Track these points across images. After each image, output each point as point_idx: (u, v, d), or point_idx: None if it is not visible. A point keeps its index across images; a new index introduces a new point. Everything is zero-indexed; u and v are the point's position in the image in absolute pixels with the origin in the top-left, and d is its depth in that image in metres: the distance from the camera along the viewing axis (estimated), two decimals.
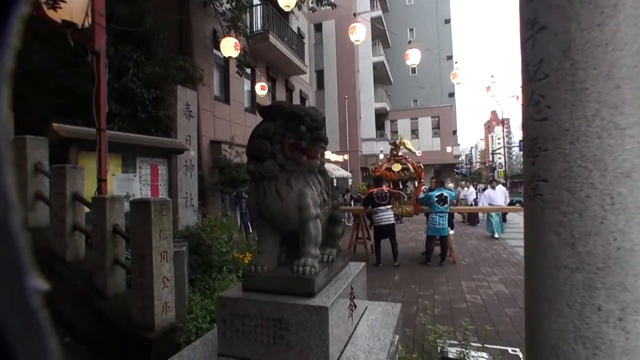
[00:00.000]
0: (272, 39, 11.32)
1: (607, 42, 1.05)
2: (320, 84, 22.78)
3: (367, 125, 24.94)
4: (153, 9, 7.01)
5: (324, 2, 10.25)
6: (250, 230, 8.35)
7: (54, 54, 5.18)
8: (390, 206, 6.43)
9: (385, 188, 6.64)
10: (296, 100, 15.91)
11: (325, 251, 1.62)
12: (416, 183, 7.77)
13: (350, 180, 21.00)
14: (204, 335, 1.58)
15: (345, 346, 1.48)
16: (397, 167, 7.78)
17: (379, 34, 26.91)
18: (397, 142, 8.15)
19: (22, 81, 5.10)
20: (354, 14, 9.36)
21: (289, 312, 1.33)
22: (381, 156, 21.92)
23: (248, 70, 10.85)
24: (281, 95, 14.30)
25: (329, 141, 1.59)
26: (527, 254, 1.37)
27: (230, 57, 8.50)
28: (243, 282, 1.52)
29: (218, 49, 8.86)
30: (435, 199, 6.60)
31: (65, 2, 2.84)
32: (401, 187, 7.77)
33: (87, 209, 3.02)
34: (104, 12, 3.08)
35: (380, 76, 28.19)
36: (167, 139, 5.01)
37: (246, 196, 8.15)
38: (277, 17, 12.15)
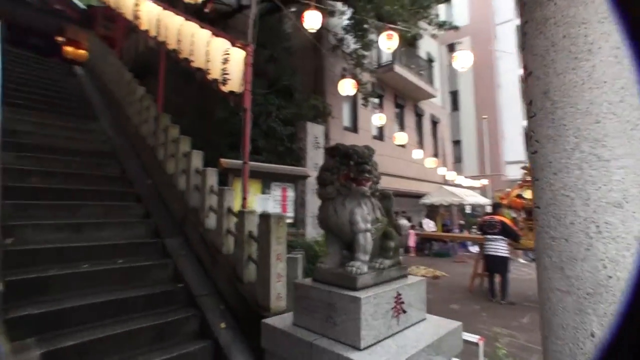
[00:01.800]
0: (398, 68, 11.96)
1: (583, 82, 1.26)
2: (455, 105, 22.05)
3: (513, 146, 22.64)
4: (293, 61, 8.58)
5: (445, 27, 10.32)
6: None
7: (228, 109, 6.98)
8: (500, 237, 6.05)
9: (498, 217, 6.30)
10: (426, 125, 15.97)
11: (377, 260, 2.12)
12: None
13: (489, 208, 19.39)
14: (290, 312, 2.26)
15: (386, 339, 1.93)
16: (529, 194, 7.21)
17: None
18: (528, 165, 7.53)
19: (210, 128, 7.08)
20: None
21: (336, 298, 1.90)
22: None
23: (377, 100, 11.68)
24: (410, 121, 14.65)
25: (375, 173, 2.11)
26: (537, 276, 1.49)
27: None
28: (312, 275, 2.16)
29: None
30: None
31: (230, 79, 4.18)
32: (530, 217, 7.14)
33: (235, 219, 4.16)
34: (251, 81, 4.27)
35: None
36: (294, 167, 6.14)
37: None
38: (404, 47, 12.72)
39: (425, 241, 12.63)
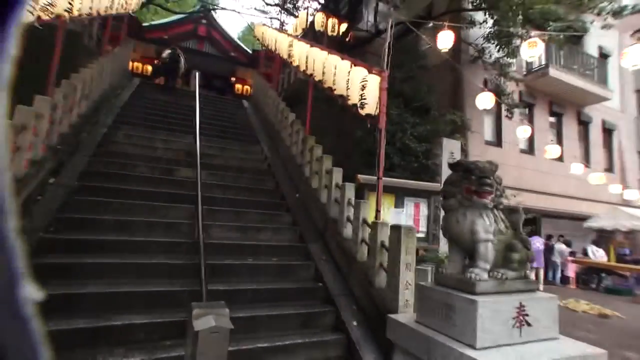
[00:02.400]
0: (554, 72, 10.63)
1: None
2: None
3: None
4: (430, 77, 8.66)
5: (623, 13, 8.74)
6: None
7: (365, 129, 7.57)
8: None
9: None
10: (595, 134, 13.49)
11: (499, 270, 2.18)
12: None
13: None
14: (410, 307, 2.47)
15: (505, 345, 1.98)
16: None
17: None
18: None
19: (349, 146, 7.81)
20: None
21: (455, 300, 2.06)
22: None
23: (525, 110, 10.64)
24: (570, 130, 12.67)
25: (499, 187, 2.18)
26: None
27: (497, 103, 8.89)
28: (434, 278, 2.34)
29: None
30: None
31: (367, 103, 4.69)
32: None
33: (369, 229, 4.55)
34: (386, 103, 4.66)
35: None
36: (428, 184, 6.19)
37: None
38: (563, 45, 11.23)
39: (592, 272, 10.56)
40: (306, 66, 7.25)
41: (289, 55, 8.59)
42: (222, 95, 18.50)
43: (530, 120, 11.17)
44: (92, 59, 7.39)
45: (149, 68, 16.70)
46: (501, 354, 1.83)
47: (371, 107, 4.80)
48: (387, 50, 4.88)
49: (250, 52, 19.65)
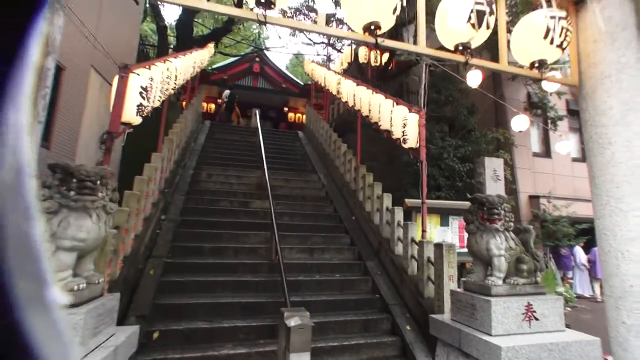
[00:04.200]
0: None
1: (607, 162, 1.95)
2: None
3: None
4: (472, 96, 9.21)
5: None
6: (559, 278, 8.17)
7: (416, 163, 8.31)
8: None
9: None
10: None
11: (511, 278, 2.87)
12: None
13: None
14: (449, 314, 3.20)
15: (515, 334, 2.66)
16: None
17: None
18: None
19: (397, 169, 8.55)
20: None
21: (476, 300, 2.78)
22: None
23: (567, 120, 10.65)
24: None
25: (508, 215, 2.89)
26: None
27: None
28: (462, 285, 3.07)
29: (536, 108, 9.76)
30: None
31: (409, 138, 5.50)
32: None
33: (417, 247, 5.28)
34: (425, 138, 5.44)
35: None
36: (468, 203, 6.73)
37: (562, 250, 8.20)
38: None
39: None
40: (354, 102, 8.22)
41: (338, 92, 9.65)
42: (277, 124, 20.23)
43: (581, 128, 11.09)
44: (177, 112, 9.01)
45: (212, 106, 18.89)
46: (510, 338, 2.51)
47: (412, 141, 5.61)
48: (422, 92, 5.67)
49: (302, 84, 21.24)
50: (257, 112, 13.11)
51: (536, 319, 2.70)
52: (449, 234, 6.17)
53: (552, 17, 1.78)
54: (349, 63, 13.56)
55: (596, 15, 1.84)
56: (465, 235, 6.60)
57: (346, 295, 5.27)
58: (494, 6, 1.68)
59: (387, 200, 6.34)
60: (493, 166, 7.51)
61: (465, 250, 6.49)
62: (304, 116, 20.06)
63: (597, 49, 1.96)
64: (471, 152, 8.20)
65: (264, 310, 4.61)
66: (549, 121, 9.60)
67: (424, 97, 5.65)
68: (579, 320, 5.87)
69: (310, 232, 6.69)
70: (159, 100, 4.51)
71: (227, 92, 16.06)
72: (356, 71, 13.19)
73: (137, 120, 3.69)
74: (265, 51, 22.82)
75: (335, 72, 11.16)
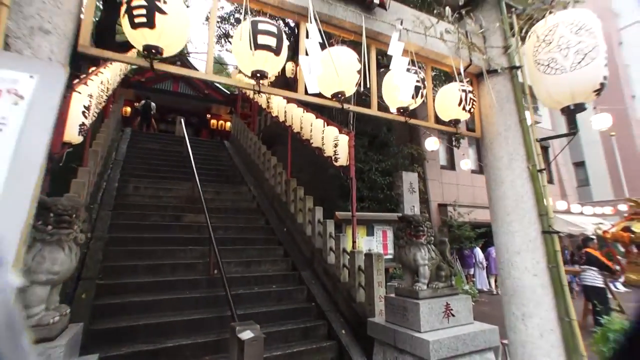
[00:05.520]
0: None
1: (501, 196, 2.64)
2: (573, 125, 20.52)
3: None
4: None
5: None
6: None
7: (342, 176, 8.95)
8: (587, 267, 6.35)
9: (585, 250, 6.61)
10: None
11: (433, 283, 3.51)
12: None
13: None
14: (383, 315, 3.74)
15: (438, 329, 3.29)
16: (639, 227, 7.15)
17: None
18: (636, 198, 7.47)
19: (324, 180, 9.10)
20: None
21: (407, 304, 3.36)
22: None
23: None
24: None
25: (429, 231, 3.54)
26: None
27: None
28: (395, 291, 3.65)
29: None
30: None
31: (339, 157, 6.06)
32: None
33: (348, 256, 5.83)
34: (355, 157, 6.05)
35: None
36: (392, 214, 7.60)
37: (465, 251, 9.68)
38: None
39: None
40: (285, 118, 8.59)
41: (268, 106, 9.93)
42: (198, 131, 19.57)
43: (477, 143, 13.02)
44: (99, 119, 8.38)
45: (129, 110, 17.59)
46: (435, 333, 3.13)
47: (343, 159, 6.18)
48: (351, 116, 6.29)
49: (227, 92, 20.89)
50: (182, 120, 12.70)
51: (453, 315, 3.37)
52: (374, 242, 6.90)
53: (463, 90, 2.42)
54: (276, 76, 13.89)
55: (489, 90, 2.53)
56: (389, 243, 7.49)
57: (284, 305, 5.58)
58: (425, 82, 2.25)
59: (319, 213, 6.83)
60: (409, 179, 8.53)
61: (389, 257, 7.33)
62: (227, 123, 19.82)
63: (492, 113, 2.67)
64: (390, 167, 9.17)
65: (208, 326, 4.70)
66: (453, 139, 11.12)
67: (352, 120, 6.28)
68: (481, 312, 6.97)
69: (245, 245, 6.87)
70: (94, 116, 4.35)
71: (142, 102, 15.53)
72: (283, 84, 13.59)
73: (78, 139, 3.57)
74: (187, 55, 21.96)
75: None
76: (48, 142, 1.30)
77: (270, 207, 8.75)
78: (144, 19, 1.64)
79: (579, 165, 20.87)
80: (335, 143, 6.28)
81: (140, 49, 1.76)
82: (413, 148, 10.19)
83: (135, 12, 1.65)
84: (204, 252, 6.06)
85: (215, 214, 7.58)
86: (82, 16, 1.74)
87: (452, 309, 3.42)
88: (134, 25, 1.67)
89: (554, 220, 2.45)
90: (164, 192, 8.11)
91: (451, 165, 12.72)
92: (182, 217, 7.19)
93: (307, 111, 7.63)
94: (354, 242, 5.80)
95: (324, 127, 6.74)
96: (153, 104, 15.69)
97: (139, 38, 1.70)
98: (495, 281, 10.94)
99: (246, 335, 3.56)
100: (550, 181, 16.08)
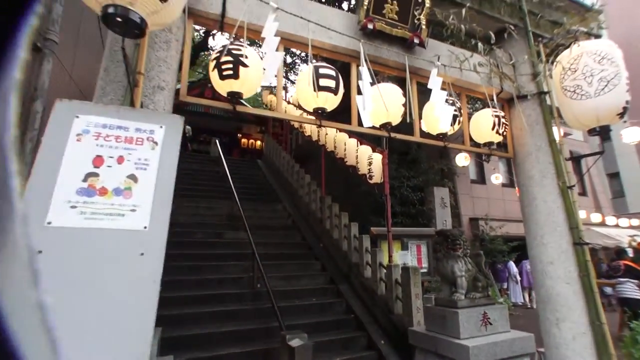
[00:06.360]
0: None
1: (533, 211, 2.85)
2: (605, 137, 19.90)
3: None
4: None
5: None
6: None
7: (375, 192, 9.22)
8: (626, 279, 6.23)
9: (623, 262, 6.49)
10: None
11: (470, 293, 3.70)
12: None
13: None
14: (421, 325, 3.94)
15: (477, 337, 3.47)
16: None
17: None
18: None
19: (356, 196, 9.38)
20: None
21: (446, 313, 3.56)
22: None
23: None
24: None
25: (465, 244, 3.75)
26: None
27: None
28: (434, 301, 3.85)
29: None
30: None
31: (374, 175, 6.35)
32: None
33: (384, 270, 6.03)
34: (389, 174, 6.32)
35: None
36: (426, 229, 7.76)
37: (498, 265, 9.58)
38: None
39: None
40: (318, 138, 9.01)
41: (300, 125, 10.41)
42: (230, 151, 20.39)
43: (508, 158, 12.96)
44: None
45: None
46: (473, 340, 3.31)
47: (377, 177, 6.47)
48: (385, 141, 6.59)
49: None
50: (217, 141, 13.38)
51: (490, 324, 3.53)
52: (409, 256, 7.06)
53: (496, 115, 2.69)
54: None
55: (519, 113, 2.79)
56: (423, 257, 7.62)
57: (325, 317, 5.84)
58: (461, 110, 2.56)
59: (354, 228, 7.10)
60: (441, 194, 8.66)
61: (424, 270, 7.45)
62: (258, 142, 20.57)
63: (523, 134, 2.91)
64: (422, 182, 9.35)
65: (254, 337, 5.03)
66: (483, 155, 11.13)
67: (386, 140, 6.59)
68: (516, 325, 6.92)
69: (284, 260, 7.20)
70: None
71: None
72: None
73: None
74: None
75: (294, 105, 11.93)
76: (174, 176, 1.70)
77: (305, 223, 9.10)
78: (230, 72, 2.05)
79: (614, 176, 20.07)
80: (369, 161, 6.60)
81: (225, 94, 2.17)
82: (443, 164, 10.32)
83: (223, 67, 2.06)
84: (246, 267, 6.45)
85: (253, 230, 7.99)
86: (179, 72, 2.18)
87: (489, 318, 3.58)
88: (222, 77, 2.08)
89: (584, 233, 2.63)
90: (203, 210, 8.64)
91: (481, 179, 12.68)
92: (223, 234, 7.64)
93: (340, 131, 8.01)
94: (390, 256, 6.02)
95: (357, 146, 7.08)
96: (188, 127, 16.37)
97: (225, 87, 2.12)
98: (529, 295, 10.74)
99: (296, 343, 3.86)
100: (584, 193, 15.62)
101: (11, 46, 0.29)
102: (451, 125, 2.44)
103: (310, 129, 9.66)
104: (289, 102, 12.62)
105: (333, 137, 8.11)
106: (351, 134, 7.57)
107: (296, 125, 10.84)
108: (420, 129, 2.72)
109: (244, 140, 21.22)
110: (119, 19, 1.50)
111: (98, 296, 1.42)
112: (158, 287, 1.61)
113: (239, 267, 6.54)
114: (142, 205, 1.54)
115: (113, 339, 1.42)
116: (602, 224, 14.28)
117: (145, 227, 1.53)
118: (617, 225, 14.42)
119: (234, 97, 2.15)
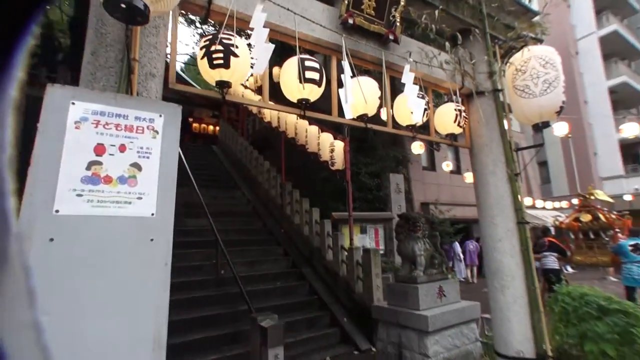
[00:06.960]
0: None
1: (486, 195, 3.23)
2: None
3: (608, 161, 21.44)
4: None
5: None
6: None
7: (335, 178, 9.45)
8: (549, 253, 7.14)
9: (547, 239, 7.43)
10: None
11: (427, 269, 4.08)
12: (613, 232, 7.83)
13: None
14: (381, 301, 4.29)
15: (433, 307, 3.87)
16: (586, 218, 8.14)
17: (617, 50, 23.43)
18: (587, 193, 8.52)
19: (315, 182, 9.60)
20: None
21: (407, 288, 3.92)
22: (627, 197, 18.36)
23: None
24: None
25: (423, 226, 4.11)
26: None
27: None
28: (395, 278, 4.20)
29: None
30: (630, 247, 6.81)
31: (336, 161, 6.57)
32: (593, 237, 8.01)
33: (346, 252, 6.34)
34: (349, 161, 6.57)
35: (626, 99, 23.74)
36: (383, 213, 8.21)
37: (445, 246, 10.46)
38: None
39: None
40: (278, 124, 9.02)
41: (259, 111, 10.32)
42: (180, 135, 19.53)
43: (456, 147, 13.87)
44: None
45: None
46: (431, 310, 3.72)
47: (339, 164, 6.70)
48: (347, 130, 6.81)
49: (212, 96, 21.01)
50: None
51: (444, 296, 3.96)
52: (367, 239, 7.46)
53: (458, 110, 2.99)
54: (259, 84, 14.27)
55: (478, 108, 3.12)
56: (380, 240, 8.09)
57: (289, 299, 6.04)
58: (429, 104, 2.82)
59: (316, 213, 7.33)
60: (396, 180, 9.15)
61: (381, 251, 7.91)
62: (210, 127, 19.99)
63: (479, 127, 3.26)
64: (378, 169, 9.78)
65: (222, 321, 5.11)
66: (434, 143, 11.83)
67: (347, 128, 6.82)
68: (462, 297, 7.71)
69: (246, 246, 7.26)
70: None
71: None
72: (271, 90, 13.98)
73: None
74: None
75: (252, 89, 11.74)
76: (176, 164, 1.75)
77: (265, 209, 9.16)
78: (221, 61, 2.10)
79: (543, 164, 22.38)
80: (331, 149, 6.79)
81: (214, 83, 2.22)
82: (398, 151, 10.84)
83: (214, 56, 2.10)
84: (208, 254, 6.43)
85: (214, 217, 7.92)
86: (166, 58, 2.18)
87: (444, 290, 4.01)
88: (213, 66, 2.12)
89: (525, 214, 3.07)
90: None
91: (432, 166, 13.48)
92: (184, 222, 7.50)
93: (300, 118, 8.09)
94: (351, 239, 6.33)
95: (319, 133, 7.23)
96: None
97: (215, 75, 2.16)
98: (471, 271, 11.88)
99: (268, 323, 4.01)
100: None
101: (8, 68, 0.29)
102: (422, 117, 2.70)
103: (270, 115, 9.63)
104: (245, 87, 12.40)
105: (294, 124, 8.17)
106: (312, 121, 7.70)
107: (254, 110, 10.72)
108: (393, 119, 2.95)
109: (195, 125, 20.43)
110: (122, 5, 1.51)
111: (112, 282, 1.46)
112: (169, 270, 1.68)
113: (202, 254, 6.50)
114: (148, 193, 1.59)
115: (131, 323, 1.49)
116: (533, 206, 15.92)
117: (152, 214, 1.59)
118: (543, 208, 16.16)
119: (223, 86, 2.20)
